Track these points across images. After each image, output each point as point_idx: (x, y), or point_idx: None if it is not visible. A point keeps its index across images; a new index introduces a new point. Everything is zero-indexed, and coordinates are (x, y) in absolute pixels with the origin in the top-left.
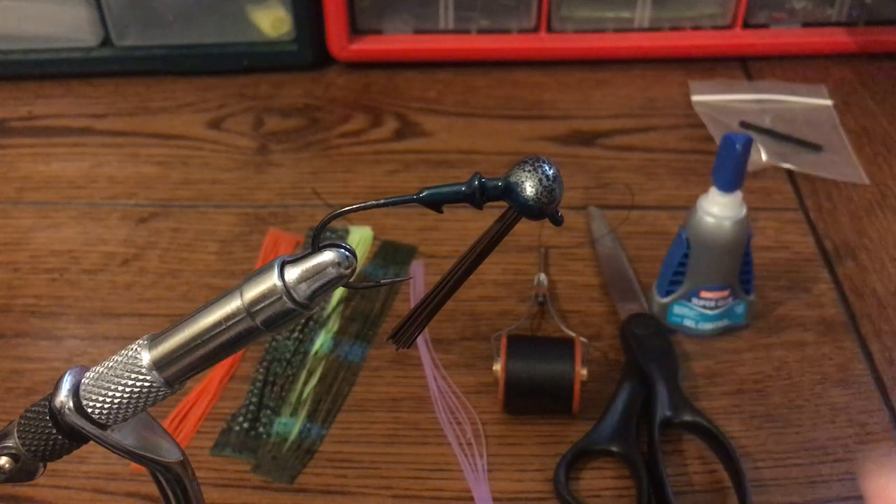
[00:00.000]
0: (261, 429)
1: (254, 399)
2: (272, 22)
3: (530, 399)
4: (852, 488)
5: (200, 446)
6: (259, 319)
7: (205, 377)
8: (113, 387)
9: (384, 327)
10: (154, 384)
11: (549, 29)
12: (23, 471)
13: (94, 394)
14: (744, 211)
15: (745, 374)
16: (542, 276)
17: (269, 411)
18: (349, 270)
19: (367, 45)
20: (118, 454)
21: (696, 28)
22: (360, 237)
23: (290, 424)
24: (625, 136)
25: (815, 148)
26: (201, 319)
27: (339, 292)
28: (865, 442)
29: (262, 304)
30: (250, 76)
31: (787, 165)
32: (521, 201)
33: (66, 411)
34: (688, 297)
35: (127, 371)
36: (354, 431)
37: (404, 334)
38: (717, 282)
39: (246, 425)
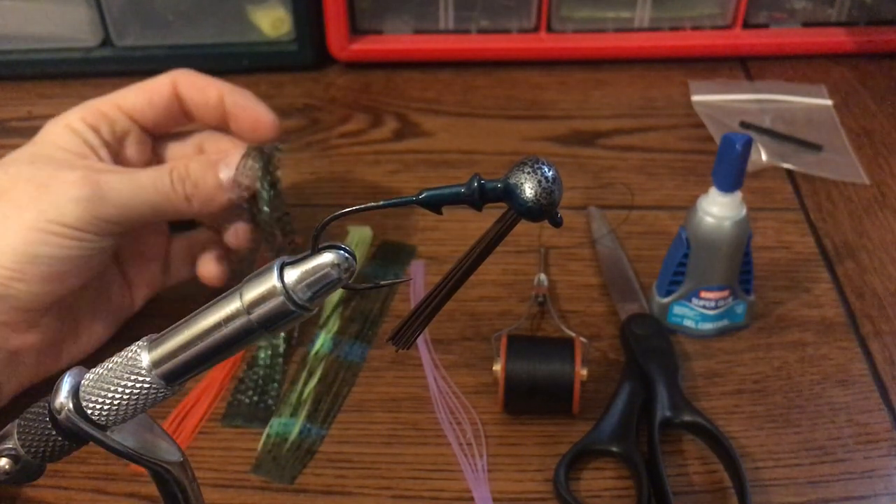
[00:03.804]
0: (269, 401)
1: (259, 372)
2: (272, 22)
3: (530, 399)
4: (852, 488)
5: (200, 447)
6: (258, 321)
7: (205, 378)
8: (113, 388)
9: (384, 327)
10: (154, 385)
11: (549, 29)
12: (23, 472)
13: (94, 395)
14: (744, 211)
15: (745, 374)
16: (542, 277)
17: (276, 384)
18: (349, 272)
19: (367, 45)
20: (118, 455)
21: (696, 28)
22: (360, 237)
23: (290, 424)
24: (625, 136)
25: (815, 148)
26: (201, 321)
27: (338, 293)
28: (865, 442)
29: (262, 306)
30: (250, 76)
31: (787, 165)
32: (520, 203)
33: (66, 412)
34: (688, 298)
35: (126, 372)
36: (354, 431)
37: (404, 335)
38: (717, 282)
39: (255, 398)
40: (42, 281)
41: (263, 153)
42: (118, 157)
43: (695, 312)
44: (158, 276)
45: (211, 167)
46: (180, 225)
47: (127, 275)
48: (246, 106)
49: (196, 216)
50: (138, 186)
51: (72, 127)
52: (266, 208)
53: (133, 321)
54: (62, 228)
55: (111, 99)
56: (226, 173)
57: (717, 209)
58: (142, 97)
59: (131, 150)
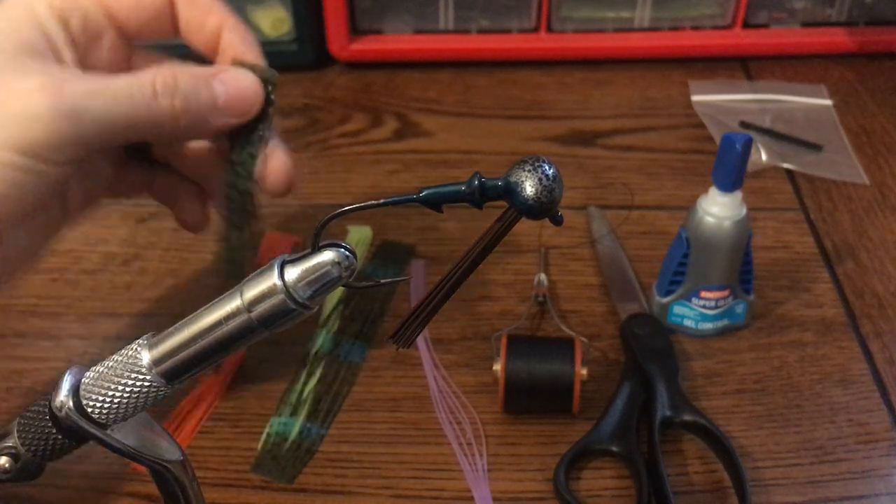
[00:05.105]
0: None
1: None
2: (272, 22)
3: (530, 399)
4: (852, 488)
5: (201, 446)
6: (259, 319)
7: (205, 377)
8: (113, 386)
9: (384, 327)
10: (154, 384)
11: (549, 29)
12: (23, 471)
13: (94, 393)
14: (744, 211)
15: (745, 374)
16: (542, 276)
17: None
18: (349, 270)
19: (367, 45)
20: (118, 454)
21: (696, 28)
22: (360, 237)
23: (290, 424)
24: (625, 136)
25: (815, 148)
26: (201, 319)
27: (338, 292)
28: (865, 442)
29: (262, 304)
30: None
31: (787, 165)
32: (520, 201)
33: (66, 411)
34: (688, 297)
35: (127, 371)
36: (354, 431)
37: (404, 334)
38: (717, 282)
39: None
40: None
41: (262, 77)
42: (84, 62)
43: (695, 312)
44: (100, 189)
45: (205, 80)
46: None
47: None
48: (243, 54)
49: (179, 138)
50: (113, 97)
51: (34, 12)
52: (251, 148)
53: (133, 320)
54: (17, 157)
55: None
56: (221, 90)
57: (717, 209)
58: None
59: (102, 55)
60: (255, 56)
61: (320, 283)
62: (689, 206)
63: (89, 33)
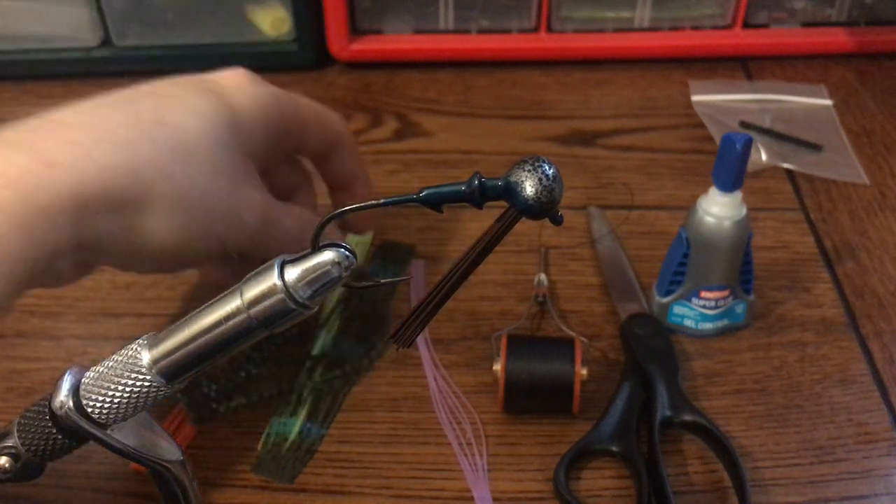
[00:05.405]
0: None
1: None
2: (272, 22)
3: (530, 399)
4: (852, 488)
5: (201, 446)
6: (258, 319)
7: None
8: (113, 386)
9: (385, 327)
10: (154, 384)
11: (549, 29)
12: (23, 471)
13: (94, 393)
14: (744, 211)
15: (745, 374)
16: (542, 276)
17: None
18: (349, 270)
19: (367, 45)
20: (118, 454)
21: (696, 28)
22: (360, 237)
23: (290, 424)
24: (625, 136)
25: (815, 148)
26: (201, 319)
27: (338, 292)
28: (865, 442)
29: (262, 304)
30: None
31: (787, 165)
32: (520, 201)
33: (66, 411)
34: (688, 297)
35: (127, 370)
36: (354, 431)
37: (404, 334)
38: (717, 282)
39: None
40: (147, 269)
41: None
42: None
43: (695, 312)
44: None
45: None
46: None
47: None
48: (362, 223)
49: None
50: (284, 240)
51: (266, 114)
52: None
53: (133, 320)
54: (214, 245)
55: (302, 109)
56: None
57: (717, 209)
58: (320, 137)
59: (266, 163)
60: (368, 225)
61: (320, 283)
62: (689, 206)
63: (271, 149)
